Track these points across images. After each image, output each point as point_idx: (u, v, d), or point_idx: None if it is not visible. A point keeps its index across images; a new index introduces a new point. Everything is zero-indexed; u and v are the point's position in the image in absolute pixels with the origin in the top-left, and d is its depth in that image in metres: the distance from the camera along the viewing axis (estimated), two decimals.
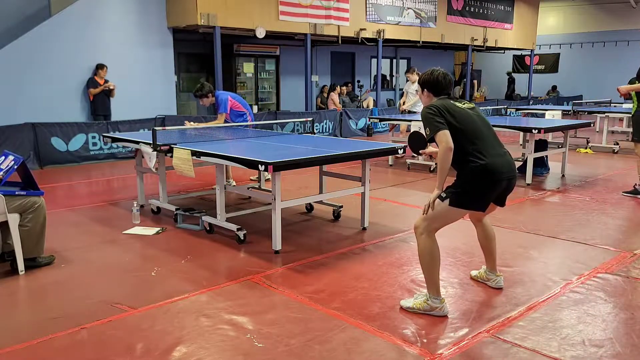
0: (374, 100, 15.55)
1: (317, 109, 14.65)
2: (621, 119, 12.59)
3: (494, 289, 3.79)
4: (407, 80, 10.69)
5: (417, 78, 9.98)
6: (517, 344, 3.03)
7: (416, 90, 10.03)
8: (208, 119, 10.90)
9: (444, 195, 3.27)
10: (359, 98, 16.15)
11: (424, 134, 3.33)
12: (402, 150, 5.23)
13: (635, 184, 6.78)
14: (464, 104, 3.42)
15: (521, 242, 4.90)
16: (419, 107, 10.18)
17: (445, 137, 3.15)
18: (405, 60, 19.32)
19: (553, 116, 10.85)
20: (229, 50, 13.41)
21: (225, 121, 7.03)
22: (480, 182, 3.24)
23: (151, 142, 5.32)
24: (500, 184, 3.29)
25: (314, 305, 3.53)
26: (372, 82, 17.70)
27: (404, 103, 10.75)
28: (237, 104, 7.08)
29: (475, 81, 20.55)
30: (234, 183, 7.24)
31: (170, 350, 2.96)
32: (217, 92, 7.09)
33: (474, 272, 4.01)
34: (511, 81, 22.14)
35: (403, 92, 10.93)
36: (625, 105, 14.17)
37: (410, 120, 8.88)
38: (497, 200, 3.47)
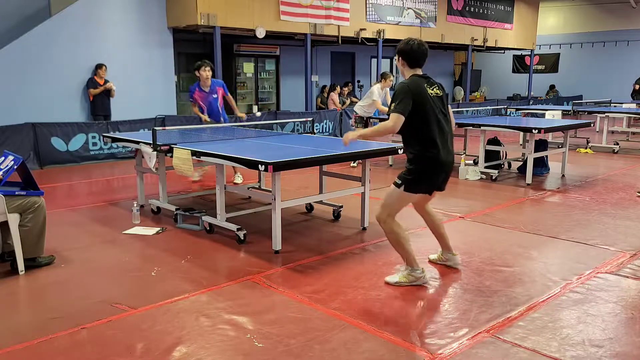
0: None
1: (317, 109, 14.65)
2: (621, 119, 12.59)
3: (453, 268, 4.14)
4: (378, 83, 9.14)
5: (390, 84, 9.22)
6: (517, 344, 3.03)
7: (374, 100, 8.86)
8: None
9: (399, 182, 3.64)
10: (359, 100, 16.14)
11: (391, 105, 3.57)
12: (402, 150, 5.22)
13: None
14: (433, 89, 3.64)
15: (521, 242, 4.90)
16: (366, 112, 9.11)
17: (398, 121, 3.46)
18: None
19: (553, 116, 10.86)
20: (229, 50, 13.40)
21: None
22: (431, 171, 3.62)
23: (151, 142, 5.32)
24: (443, 174, 3.70)
25: (314, 305, 3.54)
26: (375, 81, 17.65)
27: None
28: (198, 99, 7.11)
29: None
30: (241, 178, 7.43)
31: (170, 350, 2.96)
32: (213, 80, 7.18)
33: (432, 256, 4.29)
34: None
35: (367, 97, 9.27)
36: (625, 105, 14.18)
37: None
38: (439, 187, 3.81)
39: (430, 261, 4.26)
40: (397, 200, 3.70)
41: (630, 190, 7.01)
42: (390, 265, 4.28)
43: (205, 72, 6.93)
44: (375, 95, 8.81)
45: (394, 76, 9.39)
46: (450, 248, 4.16)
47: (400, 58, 3.69)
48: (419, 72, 3.71)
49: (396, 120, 3.46)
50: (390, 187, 3.74)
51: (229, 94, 7.32)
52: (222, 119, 7.21)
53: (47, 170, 8.77)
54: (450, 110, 3.89)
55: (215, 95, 7.10)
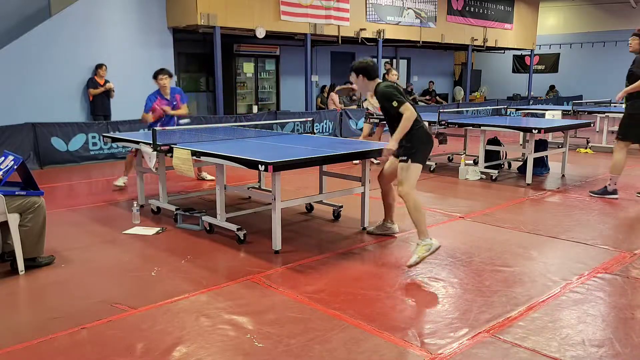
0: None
1: (317, 109, 14.65)
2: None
3: (393, 236, 4.90)
4: (364, 99, 9.71)
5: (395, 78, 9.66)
6: (517, 344, 3.03)
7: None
8: (208, 120, 10.92)
9: (405, 158, 4.20)
10: (360, 99, 16.13)
11: (392, 104, 4.13)
12: None
13: (607, 185, 6.65)
14: None
15: (521, 242, 4.90)
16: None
17: (410, 107, 4.10)
18: (405, 60, 19.33)
19: (553, 116, 10.86)
20: (229, 50, 13.41)
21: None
22: (426, 141, 4.26)
23: (151, 142, 5.32)
24: (431, 146, 4.37)
25: (314, 305, 3.54)
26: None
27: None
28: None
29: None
30: (208, 176, 7.74)
31: (170, 350, 2.96)
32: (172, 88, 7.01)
33: (370, 229, 5.00)
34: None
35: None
36: (625, 105, 14.14)
37: None
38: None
39: (368, 232, 5.02)
40: (411, 173, 4.19)
41: (630, 190, 7.01)
42: (390, 265, 4.29)
43: (163, 81, 6.79)
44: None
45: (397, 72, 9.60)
46: (393, 218, 4.98)
47: (360, 76, 4.32)
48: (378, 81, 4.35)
49: (410, 107, 4.08)
50: (400, 165, 4.22)
51: (185, 102, 7.08)
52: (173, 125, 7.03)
53: (47, 170, 8.77)
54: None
55: (175, 103, 6.96)
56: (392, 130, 4.25)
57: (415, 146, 4.20)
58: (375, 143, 5.84)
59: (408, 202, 4.17)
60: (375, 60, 4.38)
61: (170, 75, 6.96)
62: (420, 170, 4.24)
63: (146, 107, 6.84)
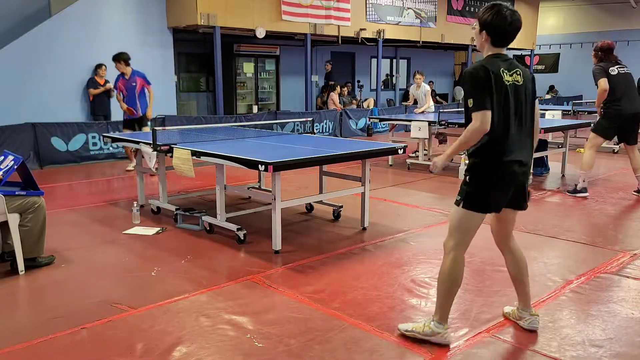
0: (374, 100, 15.56)
1: (317, 109, 14.65)
2: None
3: (526, 329, 3.17)
4: (413, 84, 10.51)
5: (423, 79, 10.20)
6: (517, 344, 3.03)
7: (425, 95, 10.13)
8: (208, 120, 10.91)
9: (457, 197, 2.89)
10: (359, 100, 16.13)
11: (467, 102, 2.77)
12: (402, 150, 5.24)
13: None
14: (513, 74, 2.81)
15: (521, 242, 4.84)
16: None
17: (484, 118, 2.69)
18: (405, 60, 19.32)
19: (553, 116, 10.86)
20: (229, 50, 13.40)
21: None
22: (495, 184, 2.83)
23: (151, 142, 5.32)
24: (511, 187, 2.88)
25: (314, 305, 3.54)
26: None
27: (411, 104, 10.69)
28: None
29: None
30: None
31: (170, 350, 2.96)
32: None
33: (506, 309, 3.38)
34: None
35: (409, 95, 10.70)
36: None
37: (410, 120, 8.88)
38: (516, 204, 3.05)
39: (504, 315, 3.37)
40: (461, 223, 2.89)
41: (630, 190, 7.01)
42: (390, 265, 4.28)
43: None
44: (422, 93, 10.33)
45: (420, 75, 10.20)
46: (530, 305, 3.21)
47: (483, 31, 2.82)
48: (503, 52, 2.85)
49: (483, 119, 2.69)
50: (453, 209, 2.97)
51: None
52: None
53: (47, 170, 8.77)
54: (537, 107, 3.02)
55: (134, 84, 8.00)
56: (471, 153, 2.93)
57: (473, 184, 2.84)
58: (376, 143, 5.83)
59: (444, 262, 2.96)
60: (516, 17, 2.76)
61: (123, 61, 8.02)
62: (475, 219, 2.87)
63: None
